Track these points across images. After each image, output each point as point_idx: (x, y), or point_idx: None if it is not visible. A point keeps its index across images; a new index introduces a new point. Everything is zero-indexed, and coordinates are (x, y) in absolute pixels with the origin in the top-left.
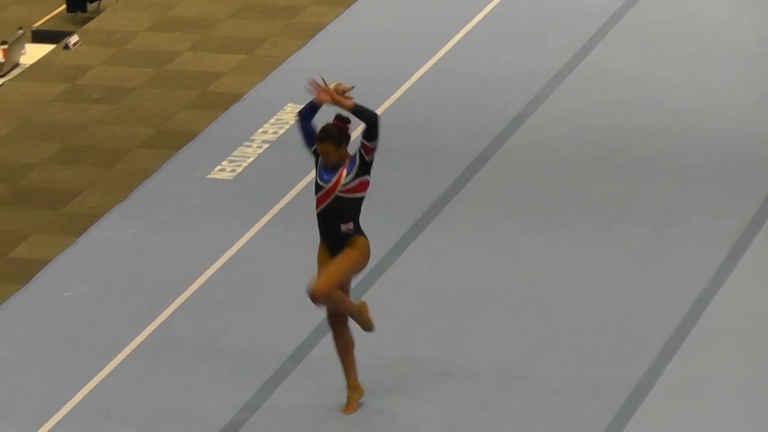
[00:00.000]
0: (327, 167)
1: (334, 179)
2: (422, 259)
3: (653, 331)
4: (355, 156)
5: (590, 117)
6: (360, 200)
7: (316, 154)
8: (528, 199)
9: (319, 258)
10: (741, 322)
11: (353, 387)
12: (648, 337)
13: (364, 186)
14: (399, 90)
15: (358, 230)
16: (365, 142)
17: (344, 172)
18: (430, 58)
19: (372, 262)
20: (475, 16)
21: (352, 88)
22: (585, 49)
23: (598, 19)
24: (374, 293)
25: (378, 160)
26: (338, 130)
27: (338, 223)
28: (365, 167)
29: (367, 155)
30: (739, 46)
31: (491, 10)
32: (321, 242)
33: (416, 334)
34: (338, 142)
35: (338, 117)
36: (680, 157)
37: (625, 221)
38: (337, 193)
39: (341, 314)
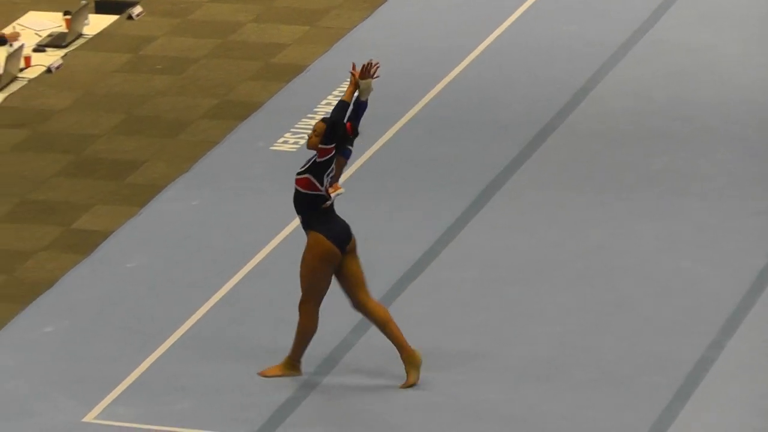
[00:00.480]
0: (309, 149)
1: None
2: (486, 231)
3: (716, 304)
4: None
5: (653, 89)
6: (307, 196)
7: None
8: (591, 171)
9: None
10: None
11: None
12: (710, 309)
13: (303, 183)
14: (462, 62)
15: (310, 225)
16: (320, 145)
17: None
18: (493, 30)
19: (436, 233)
20: None
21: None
22: (648, 22)
23: None
24: (439, 264)
25: (441, 133)
26: (343, 128)
27: (297, 210)
28: (313, 167)
29: (318, 156)
30: None
31: None
32: None
33: (479, 305)
34: (321, 131)
35: (352, 124)
36: (741, 129)
37: (687, 193)
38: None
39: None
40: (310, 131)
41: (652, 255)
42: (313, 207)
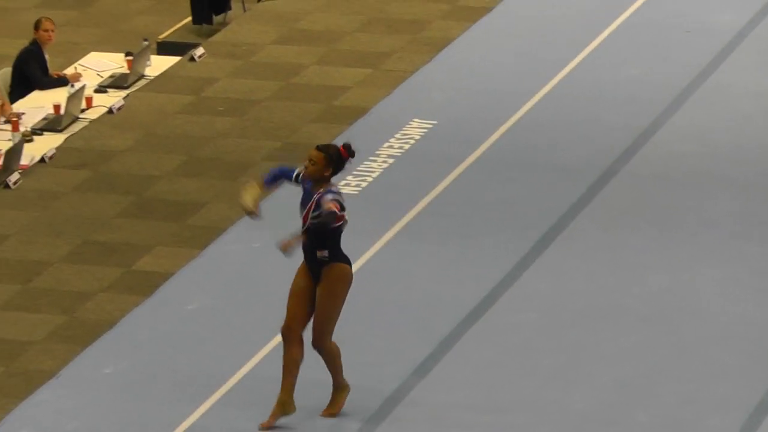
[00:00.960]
0: (305, 179)
1: (306, 210)
2: (547, 274)
3: None
4: (322, 205)
5: (715, 132)
6: (337, 229)
7: (297, 180)
8: (652, 214)
9: (298, 275)
10: None
11: (283, 402)
12: None
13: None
14: (525, 106)
15: (335, 257)
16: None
17: (313, 206)
18: (556, 74)
19: (498, 276)
20: (602, 31)
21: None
22: (711, 65)
23: (723, 35)
24: (499, 307)
25: (504, 175)
26: (338, 153)
27: (314, 249)
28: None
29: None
30: None
31: (618, 26)
32: (303, 260)
33: (540, 349)
34: (329, 160)
35: (345, 145)
36: None
37: (748, 237)
38: (308, 222)
39: (296, 332)
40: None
41: (713, 299)
42: (338, 238)
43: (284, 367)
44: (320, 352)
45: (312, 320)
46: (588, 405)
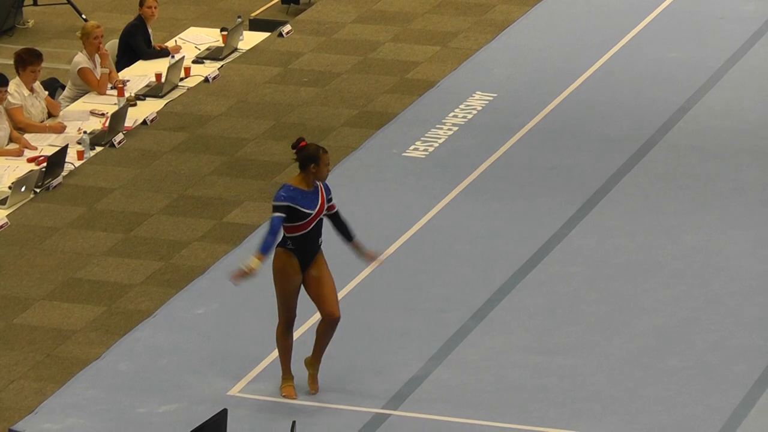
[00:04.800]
0: (314, 184)
1: (319, 204)
2: (593, 232)
3: None
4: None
5: (745, 110)
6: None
7: (284, 210)
8: (687, 181)
9: (289, 271)
10: None
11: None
12: None
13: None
14: (575, 82)
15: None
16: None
17: (324, 195)
18: (604, 54)
19: (549, 233)
20: (645, 18)
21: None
22: (742, 49)
23: (752, 22)
24: (550, 260)
25: (556, 144)
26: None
27: (318, 239)
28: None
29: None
30: None
31: (659, 13)
32: (289, 257)
33: (586, 299)
34: None
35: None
36: None
37: None
38: (323, 214)
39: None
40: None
41: (741, 258)
42: None
43: (287, 352)
44: (337, 324)
45: (323, 299)
46: (626, 350)
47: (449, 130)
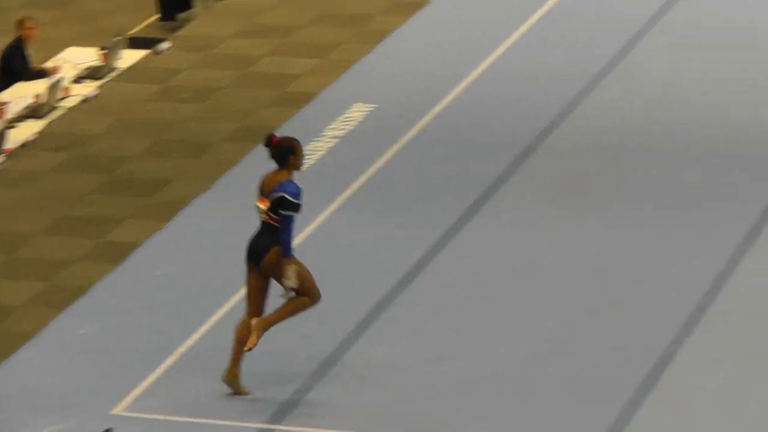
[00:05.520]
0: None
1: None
2: (476, 239)
3: (677, 305)
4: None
5: (627, 111)
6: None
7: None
8: (571, 184)
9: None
10: (757, 299)
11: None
12: (672, 310)
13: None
14: (456, 88)
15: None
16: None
17: None
18: (485, 59)
19: (431, 241)
20: (527, 20)
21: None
22: (624, 50)
23: (634, 24)
24: (433, 269)
25: (437, 152)
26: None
27: None
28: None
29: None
30: (761, 47)
31: (542, 15)
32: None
33: (470, 306)
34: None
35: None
36: (712, 144)
37: (659, 204)
38: None
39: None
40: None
41: (626, 261)
42: None
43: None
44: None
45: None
46: (512, 356)
47: (329, 142)
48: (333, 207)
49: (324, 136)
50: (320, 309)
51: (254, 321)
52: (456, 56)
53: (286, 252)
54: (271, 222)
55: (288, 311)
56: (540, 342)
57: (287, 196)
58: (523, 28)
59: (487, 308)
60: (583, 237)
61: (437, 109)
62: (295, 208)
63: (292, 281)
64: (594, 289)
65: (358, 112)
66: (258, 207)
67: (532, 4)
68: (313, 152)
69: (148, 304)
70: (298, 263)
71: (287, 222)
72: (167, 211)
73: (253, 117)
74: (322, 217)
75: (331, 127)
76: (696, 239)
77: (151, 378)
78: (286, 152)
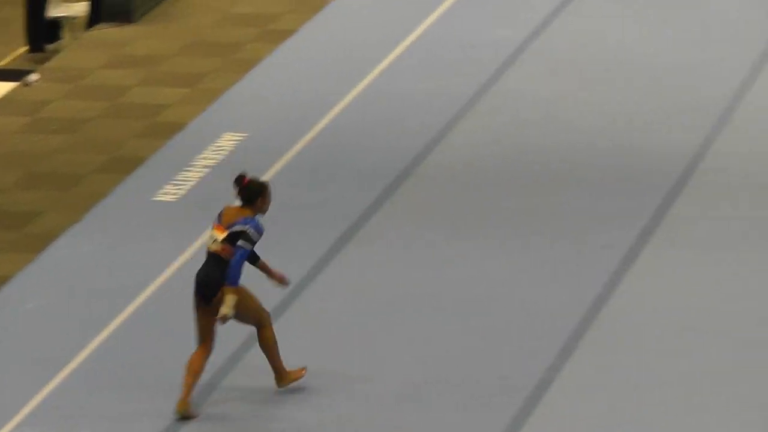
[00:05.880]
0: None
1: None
2: (349, 268)
3: (554, 332)
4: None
5: (501, 137)
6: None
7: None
8: (444, 211)
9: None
10: (634, 325)
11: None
12: (549, 336)
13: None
14: (327, 116)
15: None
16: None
17: None
18: (357, 85)
19: (304, 270)
20: (397, 48)
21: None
22: (494, 76)
23: (504, 48)
24: (306, 298)
25: (309, 180)
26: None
27: None
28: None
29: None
30: (634, 70)
31: (412, 42)
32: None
33: (344, 336)
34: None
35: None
36: (585, 171)
37: (533, 230)
38: None
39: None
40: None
41: (499, 287)
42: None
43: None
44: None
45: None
46: (389, 387)
47: (200, 171)
48: (203, 238)
49: (194, 165)
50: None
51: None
52: (327, 83)
53: (232, 280)
54: (221, 253)
55: (271, 354)
56: (416, 371)
57: (250, 231)
58: (395, 54)
59: (362, 338)
60: (459, 264)
61: (309, 136)
62: (253, 243)
63: (228, 309)
64: (471, 317)
65: (228, 141)
66: (212, 234)
67: (403, 29)
68: (184, 182)
69: (21, 336)
70: (239, 291)
71: (242, 254)
72: (38, 243)
73: (123, 147)
74: (194, 247)
75: (202, 156)
76: (573, 264)
77: (25, 411)
78: (255, 194)
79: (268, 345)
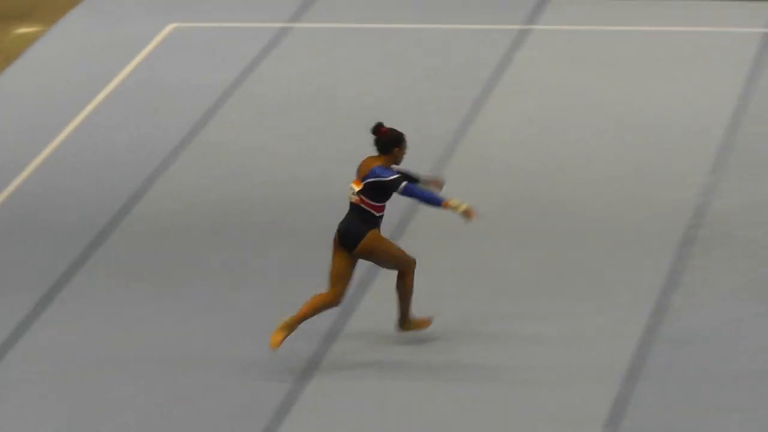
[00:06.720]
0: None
1: None
2: (50, 330)
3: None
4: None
5: (207, 189)
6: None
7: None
8: (147, 269)
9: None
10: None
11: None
12: (263, 390)
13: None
14: (24, 173)
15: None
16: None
17: None
18: (55, 139)
19: (3, 335)
20: (99, 94)
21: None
22: (199, 123)
23: (210, 95)
24: (6, 365)
25: (6, 240)
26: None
27: None
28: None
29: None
30: (347, 117)
31: (114, 88)
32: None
33: (46, 400)
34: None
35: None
36: (297, 224)
37: (237, 286)
38: None
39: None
40: None
41: (204, 346)
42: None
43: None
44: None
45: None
46: None
47: None
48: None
49: None
50: None
51: (282, 322)
52: (25, 137)
53: (436, 201)
54: (361, 204)
55: (405, 299)
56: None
57: (384, 178)
58: (95, 103)
59: (63, 402)
60: (160, 323)
61: (6, 193)
62: (397, 183)
63: (461, 207)
64: (171, 378)
65: None
66: (351, 188)
67: (103, 76)
68: None
69: None
70: (382, 240)
71: (410, 192)
72: None
73: None
74: None
75: None
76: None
77: None
78: (391, 143)
79: (406, 290)
